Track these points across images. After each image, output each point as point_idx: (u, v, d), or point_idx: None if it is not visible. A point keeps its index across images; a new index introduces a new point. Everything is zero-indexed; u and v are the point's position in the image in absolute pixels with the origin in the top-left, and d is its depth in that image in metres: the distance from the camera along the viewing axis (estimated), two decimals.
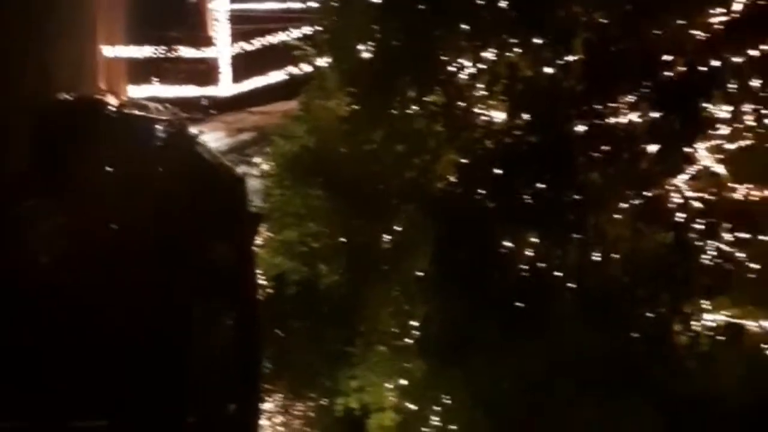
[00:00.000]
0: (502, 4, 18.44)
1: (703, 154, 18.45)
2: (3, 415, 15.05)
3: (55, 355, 15.27)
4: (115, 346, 15.83)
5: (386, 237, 19.50)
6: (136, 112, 19.56)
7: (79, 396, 15.53)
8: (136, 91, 21.74)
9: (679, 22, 18.20)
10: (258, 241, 19.81)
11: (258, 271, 19.42)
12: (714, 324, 18.12)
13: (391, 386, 19.54)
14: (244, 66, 22.08)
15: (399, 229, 19.35)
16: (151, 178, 16.95)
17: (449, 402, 19.05)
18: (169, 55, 21.40)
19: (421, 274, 19.27)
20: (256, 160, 21.14)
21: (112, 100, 21.21)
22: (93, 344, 15.69)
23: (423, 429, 19.36)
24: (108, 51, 21.61)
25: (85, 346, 15.71)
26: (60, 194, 16.16)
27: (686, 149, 18.06)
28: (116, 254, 16.30)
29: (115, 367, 15.74)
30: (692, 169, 18.27)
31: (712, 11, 18.20)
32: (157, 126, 18.11)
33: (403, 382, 19.43)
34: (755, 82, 18.13)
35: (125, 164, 16.88)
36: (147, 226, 16.55)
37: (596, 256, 18.35)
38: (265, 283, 20.22)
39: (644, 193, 18.15)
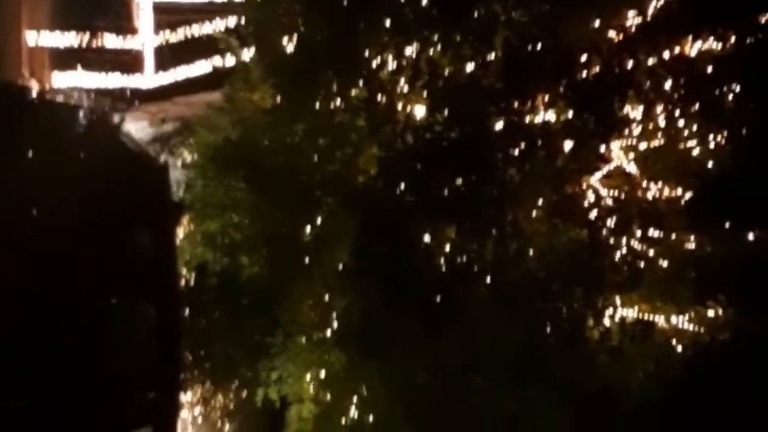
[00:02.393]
0: (424, 2, 18.71)
1: (616, 153, 18.93)
2: None
3: None
4: (33, 333, 15.79)
5: (308, 229, 19.59)
6: (59, 99, 19.45)
7: None
8: (60, 79, 21.62)
9: (596, 23, 18.66)
10: (180, 231, 19.80)
11: (179, 261, 19.42)
12: (625, 319, 18.62)
13: (310, 377, 19.64)
14: (168, 56, 22.05)
15: (320, 221, 19.44)
16: (73, 164, 16.86)
17: (367, 393, 19.25)
18: (92, 43, 21.32)
19: (341, 266, 19.40)
20: (179, 150, 21.17)
21: (35, 86, 21.11)
22: (10, 330, 15.64)
23: (341, 420, 19.53)
24: (32, 38, 21.49)
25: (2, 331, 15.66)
26: None
27: (600, 148, 18.51)
28: (35, 242, 16.23)
29: (33, 353, 15.72)
30: (606, 168, 18.75)
31: (627, 13, 18.69)
32: (80, 113, 18.00)
33: (322, 373, 19.56)
34: (668, 84, 18.66)
35: (47, 150, 16.79)
36: (67, 213, 16.48)
37: (512, 251, 18.69)
38: (186, 273, 20.17)
39: (560, 189, 18.57)
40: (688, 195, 18.54)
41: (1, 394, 15.51)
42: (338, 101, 19.21)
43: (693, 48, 18.64)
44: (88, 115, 18.19)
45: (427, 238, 19.02)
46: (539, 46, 18.28)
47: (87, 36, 22.08)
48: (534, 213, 18.71)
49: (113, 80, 22.10)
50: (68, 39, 21.81)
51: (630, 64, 18.65)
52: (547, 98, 18.52)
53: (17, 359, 15.26)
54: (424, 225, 18.98)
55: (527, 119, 18.72)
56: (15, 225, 16.14)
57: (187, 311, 19.56)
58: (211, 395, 21.19)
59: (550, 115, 18.53)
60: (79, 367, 16.19)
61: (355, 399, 19.40)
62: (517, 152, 18.69)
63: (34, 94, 19.32)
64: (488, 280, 18.71)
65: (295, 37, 19.39)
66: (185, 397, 20.34)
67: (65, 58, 21.98)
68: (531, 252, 18.60)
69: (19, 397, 15.62)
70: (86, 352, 16.31)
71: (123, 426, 17.45)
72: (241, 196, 19.92)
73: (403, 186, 19.05)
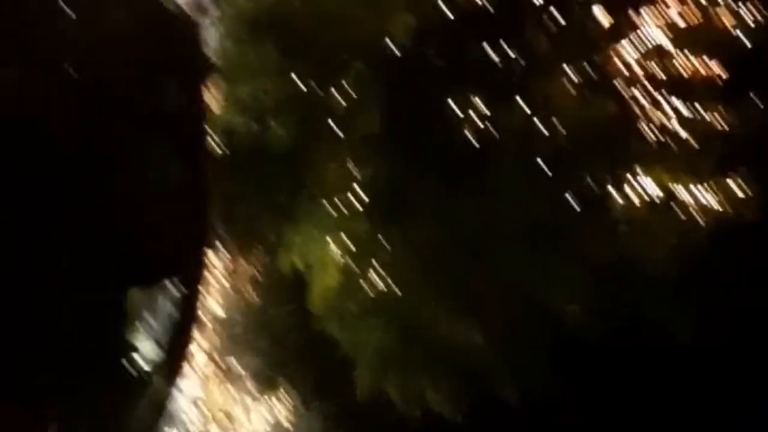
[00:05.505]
0: None
1: (651, 28, 18.75)
2: None
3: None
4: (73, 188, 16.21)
5: (336, 94, 19.61)
6: None
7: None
8: None
9: None
10: (210, 95, 19.89)
11: (208, 123, 19.61)
12: (648, 192, 18.60)
13: (334, 243, 19.78)
14: None
15: (348, 86, 19.45)
16: (109, 19, 17.12)
17: (389, 259, 19.42)
18: None
19: (368, 133, 19.46)
20: (213, 11, 21.17)
21: None
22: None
23: (363, 286, 19.71)
24: None
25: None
26: (21, 38, 16.30)
27: (632, 16, 18.35)
28: (74, 92, 16.53)
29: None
30: (638, 39, 18.58)
31: None
32: None
33: (345, 239, 19.70)
34: None
35: (85, 7, 17.06)
36: (103, 65, 16.76)
37: (539, 120, 18.68)
38: (215, 136, 20.29)
39: (590, 59, 18.46)
40: (719, 69, 18.38)
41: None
42: None
43: None
44: None
45: (454, 106, 19.00)
46: None
47: None
48: (563, 83, 18.63)
49: None
50: None
51: None
52: None
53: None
54: (453, 92, 18.94)
55: None
56: (54, 80, 16.49)
57: (214, 172, 19.75)
58: (236, 260, 21.41)
59: None
60: (104, 210, 16.58)
61: (377, 265, 19.54)
62: (548, 20, 18.56)
63: None
64: (513, 148, 18.69)
65: None
66: (212, 259, 20.60)
67: None
68: (557, 121, 18.56)
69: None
70: (116, 195, 16.70)
71: (153, 273, 17.90)
72: (271, 60, 19.91)
73: (432, 53, 19.00)
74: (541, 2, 18.91)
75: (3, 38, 16.55)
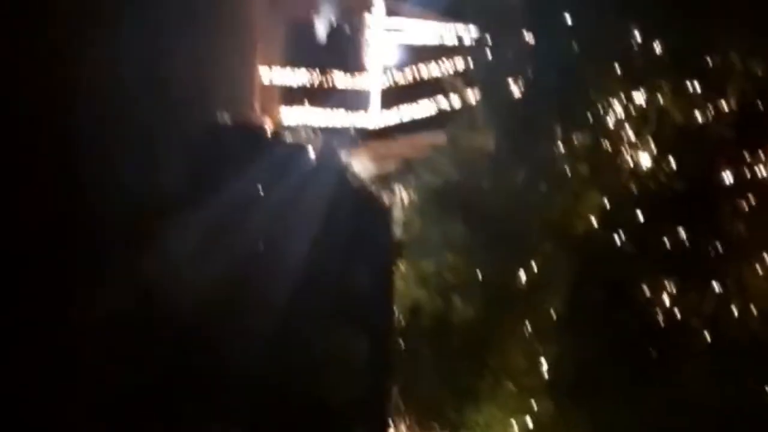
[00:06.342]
0: (657, 49, 18.43)
1: None
2: None
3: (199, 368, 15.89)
4: (254, 360, 16.36)
5: (523, 275, 19.48)
6: (290, 137, 20.13)
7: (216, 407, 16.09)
8: (289, 114, 22.20)
9: None
10: (396, 270, 20.01)
11: (394, 299, 19.65)
12: None
13: (517, 424, 19.46)
14: (394, 95, 22.30)
15: (536, 267, 19.32)
16: (301, 201, 17.49)
17: None
18: (323, 81, 21.82)
19: (555, 314, 19.21)
20: (400, 189, 21.47)
21: (267, 124, 21.82)
22: (231, 359, 16.22)
23: None
24: (265, 75, 22.18)
25: (222, 361, 16.28)
26: (212, 214, 16.79)
27: None
28: (262, 273, 16.82)
29: (253, 379, 16.26)
30: None
31: None
32: (309, 153, 18.63)
33: (529, 421, 19.35)
34: None
35: (277, 187, 17.49)
36: (294, 247, 17.05)
37: (734, 308, 18.13)
38: (399, 311, 20.33)
39: None
40: None
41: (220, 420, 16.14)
42: (561, 147, 19.11)
43: None
44: (317, 154, 18.80)
45: (645, 289, 18.62)
46: None
47: (317, 74, 22.66)
48: (760, 270, 18.07)
49: (340, 117, 22.57)
50: (300, 77, 22.39)
51: None
52: None
53: (234, 389, 15.90)
54: (644, 276, 18.59)
55: (758, 172, 18.14)
56: (244, 258, 16.85)
57: (398, 350, 19.74)
58: None
59: None
60: (295, 394, 16.65)
61: None
62: (745, 205, 18.13)
63: (266, 132, 20.07)
64: (706, 335, 18.14)
65: (521, 81, 19.47)
66: None
67: (295, 95, 22.58)
68: (754, 310, 17.95)
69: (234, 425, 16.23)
70: (305, 379, 16.76)
71: None
72: (458, 238, 19.99)
73: (624, 235, 18.75)
74: (736, 185, 18.45)
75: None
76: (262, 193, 17.37)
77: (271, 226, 17.03)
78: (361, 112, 22.44)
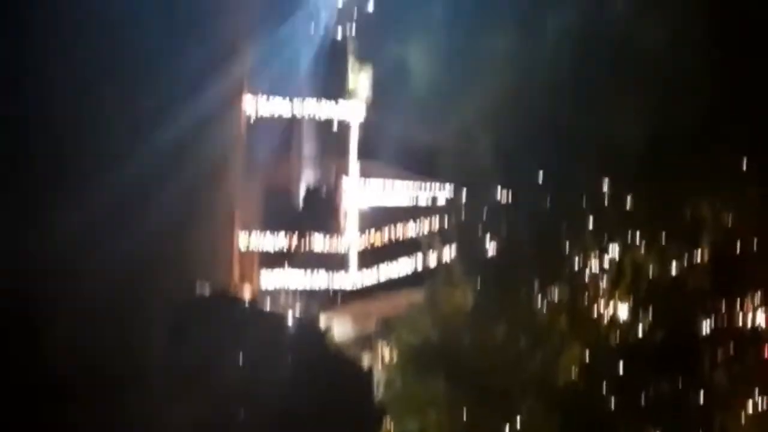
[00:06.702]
0: (628, 204, 18.80)
1: None
2: None
3: None
4: None
5: (507, 430, 19.37)
6: (268, 305, 20.40)
7: None
8: (269, 277, 22.43)
9: None
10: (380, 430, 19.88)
11: None
12: None
13: None
14: (372, 255, 22.59)
15: (520, 422, 19.22)
16: (281, 368, 17.58)
17: None
18: (300, 244, 22.12)
19: None
20: (380, 349, 21.55)
21: (245, 291, 22.10)
22: None
23: None
24: (243, 240, 22.51)
25: None
26: (193, 382, 16.80)
27: None
28: None
29: None
30: None
31: None
32: (288, 319, 18.84)
33: None
34: None
35: (254, 356, 17.60)
36: (276, 415, 17.02)
37: None
38: None
39: None
40: None
41: None
42: (539, 301, 19.27)
43: None
44: (295, 320, 19.02)
45: None
46: (748, 247, 17.94)
47: (296, 237, 22.98)
48: (743, 420, 18.02)
49: (319, 279, 22.81)
50: (278, 241, 22.68)
51: None
52: (757, 300, 18.08)
53: None
54: (627, 428, 18.50)
55: (735, 322, 18.28)
56: (223, 421, 16.79)
57: None
58: None
59: (760, 318, 18.05)
60: None
61: None
62: (724, 356, 18.20)
63: (244, 300, 20.44)
64: None
65: (497, 238, 19.75)
66: None
67: (274, 258, 22.86)
68: None
69: None
70: None
71: None
72: (441, 395, 19.92)
73: (605, 388, 18.74)
74: (715, 334, 18.57)
75: None
76: (240, 363, 17.46)
77: (249, 394, 17.08)
78: (341, 272, 22.74)
